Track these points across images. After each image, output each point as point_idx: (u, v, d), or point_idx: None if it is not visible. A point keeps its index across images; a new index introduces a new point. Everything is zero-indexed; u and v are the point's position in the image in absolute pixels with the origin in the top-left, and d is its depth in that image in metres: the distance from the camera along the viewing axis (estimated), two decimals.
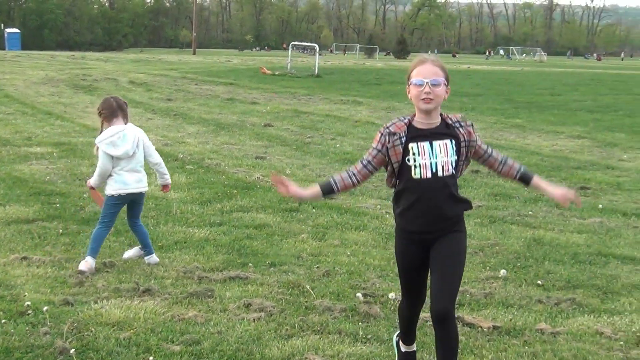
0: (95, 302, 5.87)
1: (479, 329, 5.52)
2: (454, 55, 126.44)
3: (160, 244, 7.62)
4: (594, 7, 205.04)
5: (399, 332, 4.81)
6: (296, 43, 52.32)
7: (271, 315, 5.72)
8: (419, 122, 4.11)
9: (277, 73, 40.79)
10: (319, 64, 43.02)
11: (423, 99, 4.02)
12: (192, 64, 54.04)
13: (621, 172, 12.65)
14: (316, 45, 48.48)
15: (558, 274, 6.92)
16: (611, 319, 5.83)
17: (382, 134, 4.15)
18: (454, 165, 4.11)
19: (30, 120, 18.43)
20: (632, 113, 22.80)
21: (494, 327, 5.54)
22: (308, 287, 6.37)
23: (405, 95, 4.27)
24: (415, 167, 4.08)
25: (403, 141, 4.08)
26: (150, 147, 7.05)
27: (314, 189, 4.30)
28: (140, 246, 7.16)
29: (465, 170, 4.37)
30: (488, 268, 7.09)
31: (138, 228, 7.08)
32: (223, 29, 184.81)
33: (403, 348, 4.77)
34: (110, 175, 6.76)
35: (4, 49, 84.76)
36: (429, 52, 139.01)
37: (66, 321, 5.40)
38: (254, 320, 5.59)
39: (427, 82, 4.01)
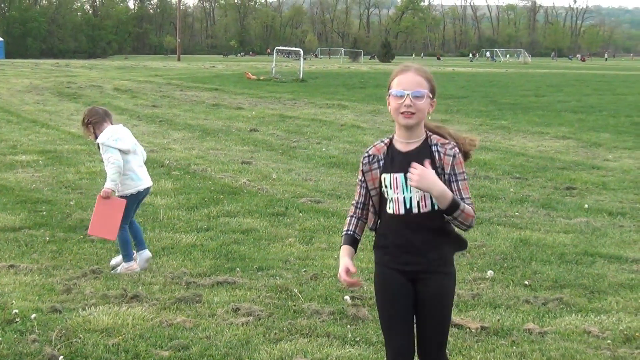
0: (83, 309, 5.86)
1: (467, 329, 5.54)
2: (438, 58, 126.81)
3: None
4: (577, 8, 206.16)
5: None
6: (281, 48, 52.37)
7: (259, 319, 5.72)
8: (399, 141, 3.57)
9: (262, 78, 40.80)
10: (304, 68, 43.09)
11: (403, 113, 3.46)
12: (177, 70, 54.01)
13: (606, 171, 12.71)
14: (301, 50, 48.56)
15: (545, 274, 6.94)
16: (598, 317, 5.86)
17: (362, 163, 3.66)
18: (432, 199, 3.47)
19: (15, 128, 18.38)
20: (616, 113, 22.91)
21: (482, 328, 5.56)
22: (296, 290, 6.38)
23: None
24: (389, 200, 3.57)
25: (381, 164, 3.58)
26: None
27: (351, 253, 3.71)
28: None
29: None
30: (475, 269, 7.11)
31: (133, 224, 7.20)
32: (207, 34, 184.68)
33: None
34: (124, 174, 6.93)
35: None
36: (413, 55, 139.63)
37: (54, 328, 5.39)
38: (242, 324, 5.59)
39: (407, 94, 3.45)
